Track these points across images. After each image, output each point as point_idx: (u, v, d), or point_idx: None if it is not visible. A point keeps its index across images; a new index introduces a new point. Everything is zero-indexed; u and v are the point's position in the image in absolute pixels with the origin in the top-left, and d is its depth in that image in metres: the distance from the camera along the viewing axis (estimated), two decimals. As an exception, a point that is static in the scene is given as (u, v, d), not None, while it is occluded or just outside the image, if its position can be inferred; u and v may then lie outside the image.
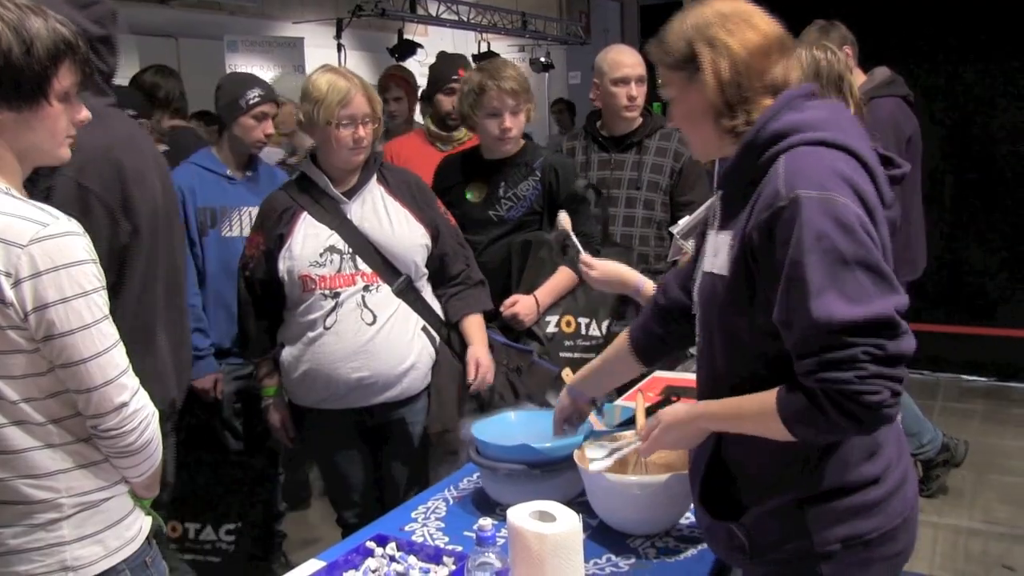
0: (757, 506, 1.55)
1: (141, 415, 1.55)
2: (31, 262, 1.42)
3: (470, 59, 4.95)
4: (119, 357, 1.53)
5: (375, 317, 2.63)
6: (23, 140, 1.52)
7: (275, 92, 3.37)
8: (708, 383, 1.66)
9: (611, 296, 3.25)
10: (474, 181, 3.15)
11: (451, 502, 2.22)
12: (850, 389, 1.35)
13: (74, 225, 1.49)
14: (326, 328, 2.61)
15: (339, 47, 9.33)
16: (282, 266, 2.65)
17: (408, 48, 9.62)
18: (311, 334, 2.64)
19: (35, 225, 1.44)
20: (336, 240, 2.63)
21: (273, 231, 2.68)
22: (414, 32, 10.06)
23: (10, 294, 1.42)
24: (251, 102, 3.22)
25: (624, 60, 3.43)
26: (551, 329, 3.11)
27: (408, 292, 2.70)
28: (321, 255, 2.61)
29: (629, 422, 2.39)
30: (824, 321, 1.35)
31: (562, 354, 3.11)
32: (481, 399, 2.74)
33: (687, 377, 2.74)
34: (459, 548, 1.92)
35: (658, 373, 3.14)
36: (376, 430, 2.78)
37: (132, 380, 1.55)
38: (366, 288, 2.63)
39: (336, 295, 2.62)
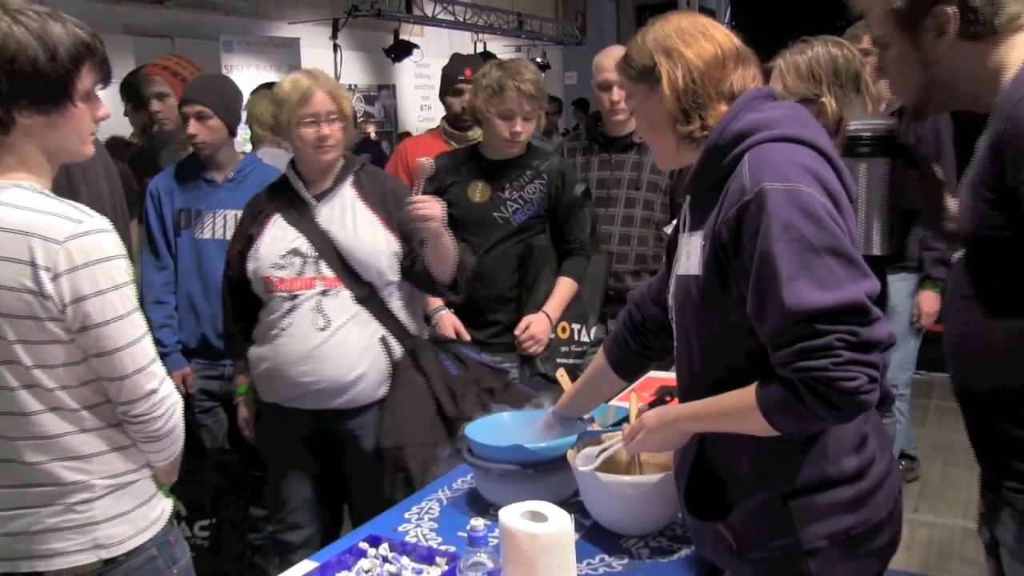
0: (742, 504, 1.56)
1: (168, 402, 1.65)
2: (68, 257, 1.52)
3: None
4: (148, 346, 1.63)
5: (328, 323, 2.59)
6: (51, 141, 1.60)
7: (204, 94, 3.25)
8: (688, 385, 1.67)
9: (598, 300, 3.31)
10: (475, 180, 3.11)
11: (445, 502, 2.22)
12: (826, 376, 1.36)
13: (105, 222, 1.59)
14: (282, 330, 2.61)
15: (335, 47, 9.34)
16: (249, 266, 2.66)
17: (404, 48, 9.63)
18: (271, 334, 2.64)
19: (71, 223, 1.53)
20: (301, 243, 2.62)
21: (246, 232, 2.70)
22: (410, 33, 10.08)
23: (50, 288, 1.51)
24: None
25: (604, 64, 3.39)
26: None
27: (370, 300, 2.65)
28: (283, 257, 2.61)
29: (624, 422, 2.38)
30: (796, 308, 1.37)
31: (559, 360, 3.11)
32: (448, 419, 2.64)
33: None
34: (452, 548, 1.92)
35: (653, 373, 3.13)
36: (328, 438, 2.74)
37: (160, 368, 1.65)
38: (324, 292, 2.61)
39: (294, 297, 2.61)
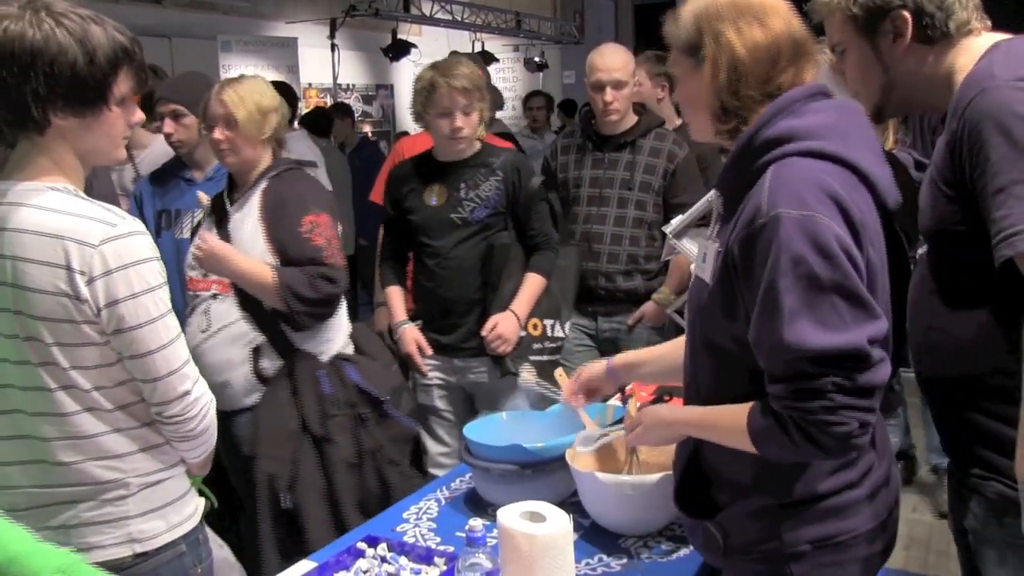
0: (734, 507, 1.55)
1: (201, 402, 1.67)
2: (103, 261, 1.53)
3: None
4: (181, 348, 1.65)
5: (208, 326, 2.62)
6: (85, 143, 1.61)
7: (178, 92, 3.18)
8: (692, 385, 1.66)
9: (571, 294, 3.27)
10: (431, 184, 3.05)
11: (443, 502, 2.22)
12: (816, 419, 1.34)
13: (138, 225, 1.60)
14: (187, 327, 2.61)
15: (333, 47, 9.34)
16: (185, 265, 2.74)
17: (402, 48, 9.63)
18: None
19: (105, 226, 1.55)
20: None
21: (195, 228, 2.79)
22: (408, 32, 10.07)
23: (85, 291, 1.53)
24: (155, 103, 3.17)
25: (597, 64, 3.35)
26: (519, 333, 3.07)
27: (254, 308, 2.62)
28: (195, 259, 2.65)
29: (621, 422, 2.38)
30: (795, 347, 1.34)
31: (531, 358, 3.04)
32: (316, 438, 2.58)
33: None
34: (451, 549, 1.92)
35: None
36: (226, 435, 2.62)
37: (193, 370, 1.67)
38: (214, 296, 2.64)
39: (195, 297, 2.69)
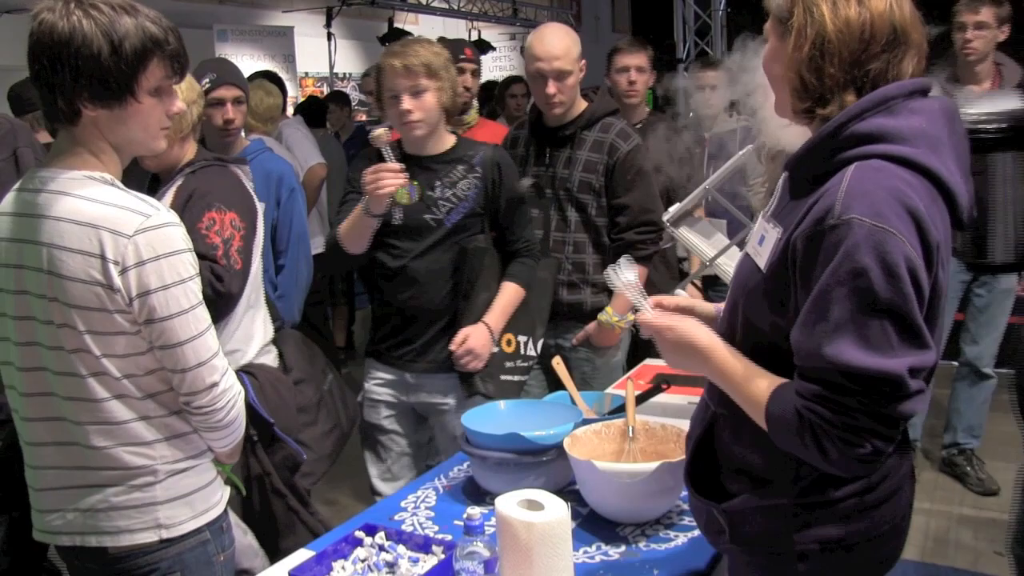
0: (742, 498, 1.51)
1: (230, 394, 1.70)
2: (136, 251, 1.55)
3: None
4: (211, 340, 1.67)
5: None
6: (118, 134, 1.63)
7: (232, 76, 3.16)
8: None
9: (546, 309, 2.92)
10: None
11: (441, 491, 2.22)
12: (833, 431, 1.31)
13: (172, 216, 1.63)
14: None
15: (329, 36, 9.31)
16: None
17: (398, 36, 9.58)
18: None
19: (139, 216, 1.57)
20: None
21: None
22: (404, 20, 10.04)
23: (118, 281, 1.56)
24: (205, 89, 3.06)
25: (537, 51, 2.94)
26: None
27: None
28: None
29: (619, 410, 2.38)
30: (831, 360, 1.29)
31: (502, 377, 2.75)
32: None
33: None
34: (449, 537, 1.92)
35: (649, 361, 3.13)
36: None
37: (222, 361, 1.69)
38: None
39: None
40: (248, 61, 8.09)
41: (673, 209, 2.82)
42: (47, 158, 1.68)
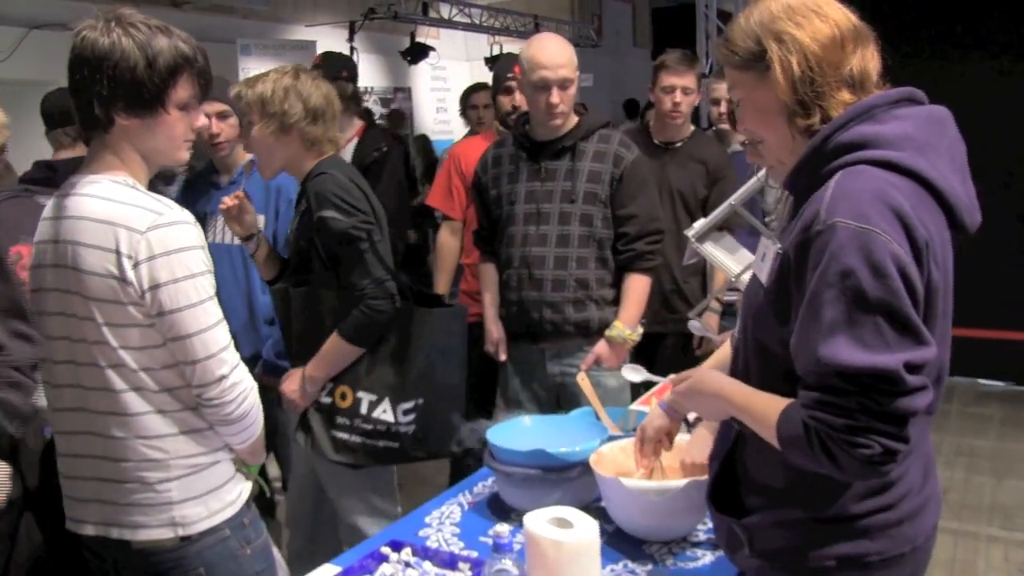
0: (764, 514, 1.52)
1: (239, 388, 1.75)
2: (148, 247, 1.64)
3: (481, 63, 4.90)
4: (221, 334, 1.73)
5: None
6: (146, 143, 1.75)
7: (216, 91, 3.19)
8: (741, 376, 1.59)
9: (413, 369, 2.53)
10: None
11: (466, 507, 2.21)
12: (840, 437, 1.30)
13: (186, 215, 1.71)
14: None
15: (352, 50, 9.34)
16: None
17: (420, 51, 9.64)
18: None
19: (152, 214, 1.66)
20: None
21: None
22: (426, 35, 10.07)
23: (131, 274, 1.64)
24: None
25: (541, 60, 2.83)
26: (323, 399, 2.55)
27: None
28: None
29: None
30: (826, 361, 1.30)
31: (337, 434, 2.53)
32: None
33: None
34: (474, 554, 1.91)
35: (673, 377, 3.10)
36: None
37: (233, 356, 1.75)
38: None
39: None
40: (271, 75, 8.12)
41: (699, 224, 2.81)
42: (83, 164, 1.77)
